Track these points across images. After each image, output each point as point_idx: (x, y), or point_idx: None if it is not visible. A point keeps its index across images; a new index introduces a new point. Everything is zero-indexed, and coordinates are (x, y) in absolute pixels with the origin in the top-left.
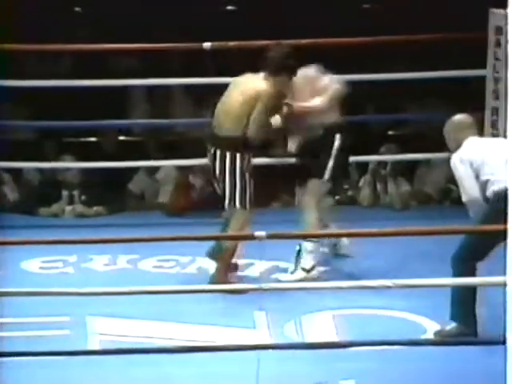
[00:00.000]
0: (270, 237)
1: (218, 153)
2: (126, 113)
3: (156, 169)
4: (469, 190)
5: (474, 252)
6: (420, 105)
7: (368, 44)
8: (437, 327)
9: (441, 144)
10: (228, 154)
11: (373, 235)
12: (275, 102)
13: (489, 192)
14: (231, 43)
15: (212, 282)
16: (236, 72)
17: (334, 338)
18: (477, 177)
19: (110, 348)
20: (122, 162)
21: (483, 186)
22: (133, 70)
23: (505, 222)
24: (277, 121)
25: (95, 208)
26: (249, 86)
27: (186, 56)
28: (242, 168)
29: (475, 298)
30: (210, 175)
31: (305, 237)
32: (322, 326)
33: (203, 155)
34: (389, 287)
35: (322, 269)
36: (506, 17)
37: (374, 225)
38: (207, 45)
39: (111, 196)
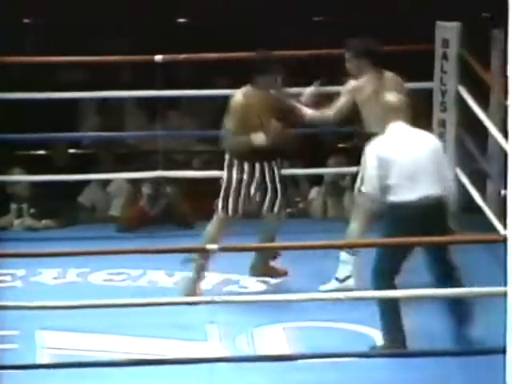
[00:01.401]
0: (222, 250)
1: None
2: (77, 125)
3: (108, 181)
4: (368, 183)
5: (387, 267)
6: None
7: (317, 56)
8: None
9: None
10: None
11: (325, 247)
12: (252, 115)
13: (389, 199)
14: (182, 56)
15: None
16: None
17: (286, 351)
18: (385, 176)
19: (59, 362)
20: (72, 175)
21: (386, 189)
22: (83, 82)
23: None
24: (259, 138)
25: (44, 221)
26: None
27: (137, 68)
28: (236, 177)
29: (399, 311)
30: (161, 187)
31: (256, 249)
32: (273, 338)
33: (155, 167)
34: (340, 300)
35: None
36: (452, 29)
37: (328, 237)
38: (159, 57)
39: (61, 209)
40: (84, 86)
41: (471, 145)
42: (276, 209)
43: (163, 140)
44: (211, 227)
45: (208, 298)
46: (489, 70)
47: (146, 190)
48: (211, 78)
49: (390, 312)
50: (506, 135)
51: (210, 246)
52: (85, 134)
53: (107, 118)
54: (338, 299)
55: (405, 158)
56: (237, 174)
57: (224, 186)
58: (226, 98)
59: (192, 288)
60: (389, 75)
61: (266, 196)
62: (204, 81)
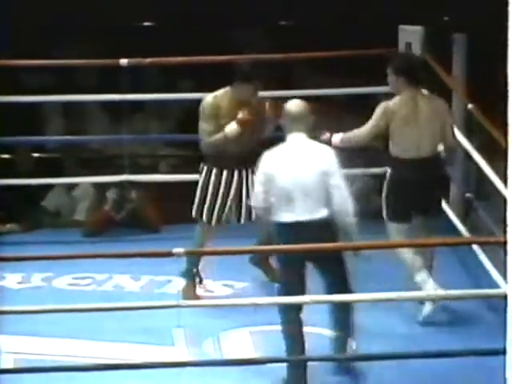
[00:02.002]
0: (188, 253)
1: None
2: (41, 129)
3: (73, 186)
4: (253, 199)
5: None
6: (337, 122)
7: (281, 60)
8: (352, 342)
9: (352, 160)
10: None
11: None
12: (224, 116)
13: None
14: (148, 60)
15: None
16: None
17: (252, 355)
18: (268, 192)
19: (23, 367)
20: (36, 179)
21: (270, 206)
22: (47, 85)
23: (505, 231)
24: (231, 128)
25: (9, 225)
26: None
27: (102, 72)
28: (213, 183)
29: (300, 323)
30: (126, 192)
31: (222, 253)
32: (239, 342)
33: (121, 171)
34: (306, 303)
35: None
36: (415, 33)
37: None
38: (124, 61)
39: (25, 213)
40: (48, 89)
41: None
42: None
43: (129, 144)
44: (197, 236)
45: (174, 303)
46: (450, 73)
47: (111, 194)
48: (177, 82)
49: (290, 323)
50: (468, 137)
51: (175, 250)
52: (49, 138)
53: (72, 121)
54: (304, 303)
55: (286, 176)
56: (215, 180)
57: (201, 193)
58: (192, 102)
59: (191, 294)
60: (427, 96)
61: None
62: (170, 84)
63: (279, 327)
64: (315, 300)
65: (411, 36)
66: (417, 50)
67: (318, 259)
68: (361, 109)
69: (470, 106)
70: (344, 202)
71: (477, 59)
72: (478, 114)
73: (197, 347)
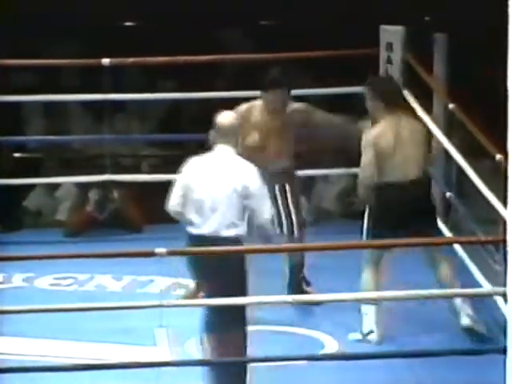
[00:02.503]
0: (171, 253)
1: None
2: (22, 129)
3: (55, 186)
4: (171, 199)
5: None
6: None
7: (264, 60)
8: (334, 343)
9: (337, 160)
10: None
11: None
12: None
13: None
14: (130, 60)
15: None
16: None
17: None
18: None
19: (4, 367)
20: (18, 179)
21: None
22: (28, 85)
23: (504, 231)
24: (252, 138)
25: None
26: None
27: (84, 71)
28: None
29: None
30: (108, 192)
31: (205, 253)
32: None
33: (103, 171)
34: (288, 303)
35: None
36: (396, 33)
37: None
38: (106, 61)
39: (6, 213)
40: (30, 88)
41: None
42: (295, 231)
43: (111, 144)
44: None
45: (156, 302)
46: (431, 72)
47: (93, 194)
48: (159, 82)
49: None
50: (449, 138)
51: (158, 250)
52: (31, 138)
53: (54, 121)
54: (288, 303)
55: (200, 188)
56: None
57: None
58: (174, 102)
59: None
60: (406, 119)
61: (281, 222)
62: (152, 84)
63: (263, 327)
64: (299, 300)
65: (392, 36)
66: (398, 50)
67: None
68: (343, 109)
69: (450, 105)
70: (263, 225)
71: (458, 59)
72: (459, 113)
73: (179, 347)
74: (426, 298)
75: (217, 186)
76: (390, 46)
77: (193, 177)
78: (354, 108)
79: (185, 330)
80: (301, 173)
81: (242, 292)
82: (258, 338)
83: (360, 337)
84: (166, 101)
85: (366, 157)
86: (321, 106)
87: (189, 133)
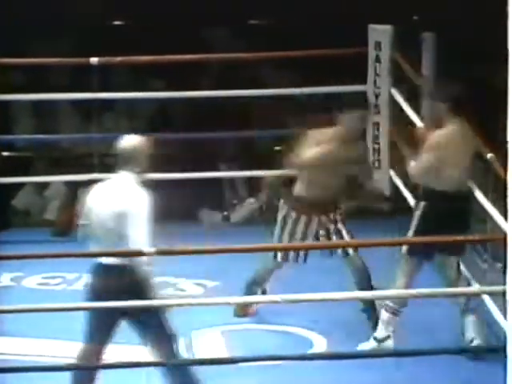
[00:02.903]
0: (159, 253)
1: None
2: (11, 128)
3: (44, 185)
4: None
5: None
6: (303, 120)
7: (253, 59)
8: (323, 341)
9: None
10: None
11: (243, 251)
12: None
13: None
14: (118, 58)
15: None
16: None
17: (224, 354)
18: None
19: None
20: (6, 178)
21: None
22: (17, 84)
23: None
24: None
25: None
26: None
27: (73, 70)
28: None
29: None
30: None
31: (195, 253)
32: (211, 342)
33: (91, 170)
34: (276, 302)
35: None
36: (384, 32)
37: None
38: (94, 60)
39: None
40: (19, 87)
41: (403, 146)
42: (351, 252)
43: (100, 143)
44: (261, 268)
45: (146, 302)
46: (420, 71)
47: (82, 193)
48: (148, 81)
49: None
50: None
51: (146, 249)
52: (19, 137)
53: (42, 120)
54: (275, 302)
55: (94, 214)
56: (292, 224)
57: (278, 231)
58: (163, 101)
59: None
60: (463, 126)
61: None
62: (141, 83)
63: (251, 326)
64: (287, 299)
65: (381, 35)
66: (386, 49)
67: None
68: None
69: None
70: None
71: (446, 58)
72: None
73: None
74: (424, 296)
75: (104, 214)
76: (378, 45)
77: (91, 203)
78: (341, 107)
79: (174, 329)
80: (287, 172)
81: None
82: (248, 336)
83: (374, 344)
84: (155, 100)
85: (427, 157)
86: (309, 104)
87: (177, 132)
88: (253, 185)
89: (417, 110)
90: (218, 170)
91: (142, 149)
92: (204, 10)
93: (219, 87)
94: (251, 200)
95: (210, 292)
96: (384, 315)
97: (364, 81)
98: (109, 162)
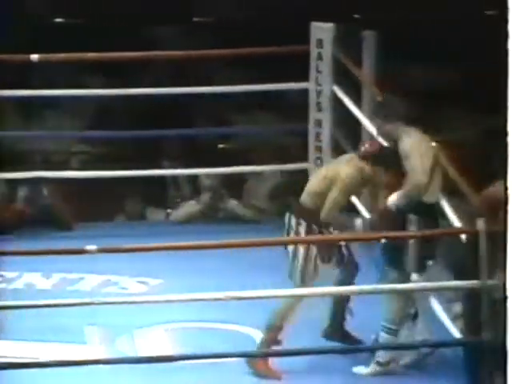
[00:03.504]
0: (101, 251)
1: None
2: None
3: None
4: None
5: None
6: (249, 118)
7: (197, 57)
8: None
9: (270, 157)
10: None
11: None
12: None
13: None
14: (59, 55)
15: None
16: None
17: (168, 352)
18: None
19: None
20: None
21: None
22: None
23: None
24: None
25: None
26: None
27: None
28: None
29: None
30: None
31: (136, 250)
32: (155, 340)
33: (31, 168)
34: (220, 299)
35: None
36: (326, 30)
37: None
38: (34, 57)
39: None
40: None
41: (346, 144)
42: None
43: (41, 140)
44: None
45: (87, 300)
46: (360, 69)
47: (22, 191)
48: (90, 79)
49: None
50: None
51: (89, 247)
52: None
53: None
54: (219, 299)
55: None
56: None
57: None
58: (105, 99)
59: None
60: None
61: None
62: (83, 81)
63: (195, 325)
64: (231, 297)
65: (323, 33)
66: (328, 47)
67: None
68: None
69: (378, 98)
70: None
71: (387, 56)
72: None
73: (110, 345)
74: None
75: None
76: (320, 43)
77: None
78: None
79: (116, 327)
80: (231, 169)
81: None
82: (191, 334)
83: (377, 369)
84: (98, 98)
85: (420, 161)
86: (250, 103)
87: (119, 130)
88: (197, 184)
89: (359, 107)
90: (161, 168)
91: None
92: (149, 9)
93: (163, 85)
94: (192, 202)
95: (153, 290)
96: (383, 337)
97: (307, 79)
98: (50, 160)
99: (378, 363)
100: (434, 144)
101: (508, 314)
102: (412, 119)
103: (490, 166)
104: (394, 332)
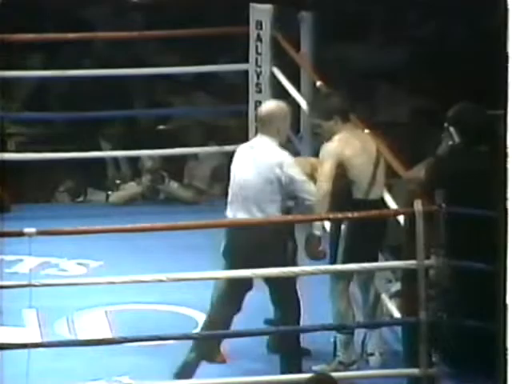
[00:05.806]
0: (40, 233)
1: None
2: None
3: None
4: None
5: None
6: (187, 99)
7: (135, 38)
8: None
9: (210, 138)
10: None
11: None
12: None
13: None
14: None
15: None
16: None
17: (108, 335)
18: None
19: None
20: None
21: None
22: None
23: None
24: None
25: None
26: None
27: None
28: None
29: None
30: None
31: (73, 233)
32: (94, 322)
33: None
34: (162, 281)
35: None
36: (265, 11)
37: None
38: None
39: None
40: None
41: None
42: None
43: None
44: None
45: (25, 282)
46: (299, 50)
47: None
48: (26, 60)
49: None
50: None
51: (27, 230)
52: None
53: None
54: (160, 280)
55: (234, 175)
56: None
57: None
58: (40, 79)
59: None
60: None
61: None
62: (20, 62)
63: (135, 307)
64: (172, 278)
65: (262, 14)
66: (267, 28)
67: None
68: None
69: (318, 83)
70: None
71: (324, 37)
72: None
73: (49, 328)
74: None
75: (245, 174)
76: (259, 24)
77: (233, 165)
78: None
79: (55, 310)
80: (171, 151)
81: None
82: (132, 316)
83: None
84: (34, 79)
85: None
86: (190, 84)
87: (56, 111)
88: (137, 166)
89: (298, 89)
90: (100, 150)
91: (280, 113)
92: None
93: (101, 67)
94: (132, 183)
95: (93, 272)
96: (339, 337)
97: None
98: None
99: (341, 363)
100: (366, 131)
101: (508, 314)
102: (349, 104)
103: (422, 147)
104: (348, 331)
